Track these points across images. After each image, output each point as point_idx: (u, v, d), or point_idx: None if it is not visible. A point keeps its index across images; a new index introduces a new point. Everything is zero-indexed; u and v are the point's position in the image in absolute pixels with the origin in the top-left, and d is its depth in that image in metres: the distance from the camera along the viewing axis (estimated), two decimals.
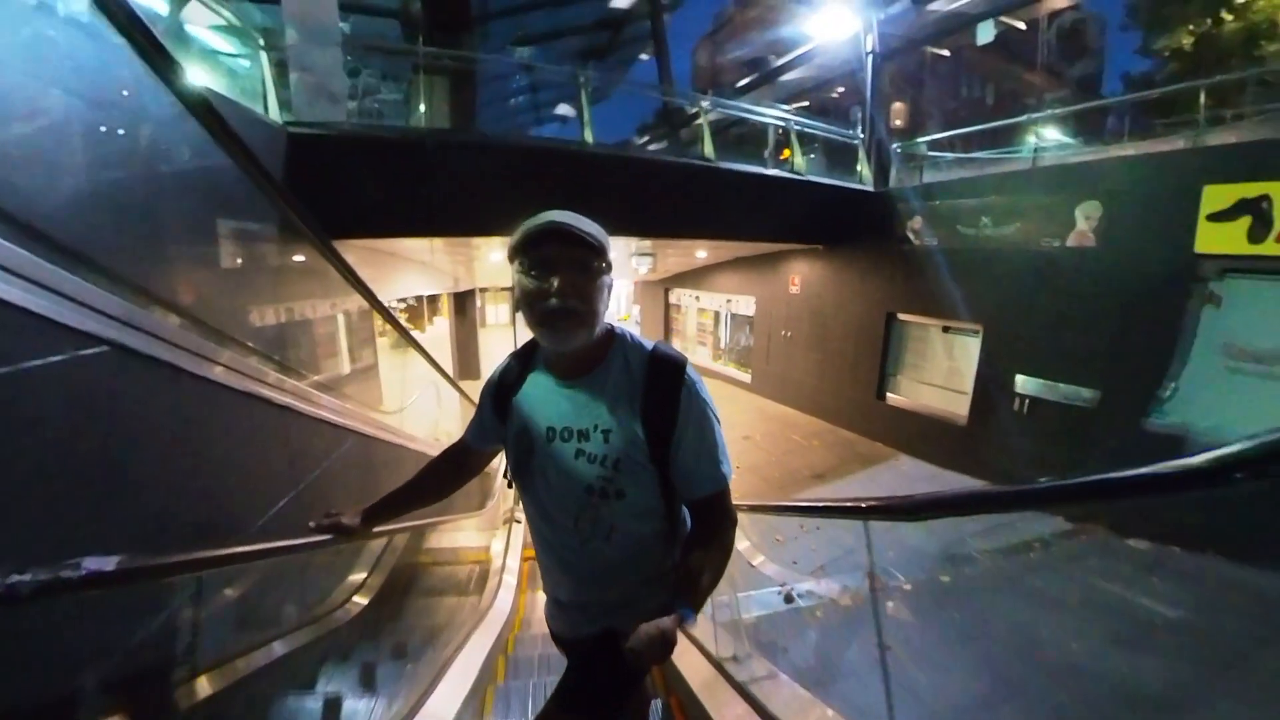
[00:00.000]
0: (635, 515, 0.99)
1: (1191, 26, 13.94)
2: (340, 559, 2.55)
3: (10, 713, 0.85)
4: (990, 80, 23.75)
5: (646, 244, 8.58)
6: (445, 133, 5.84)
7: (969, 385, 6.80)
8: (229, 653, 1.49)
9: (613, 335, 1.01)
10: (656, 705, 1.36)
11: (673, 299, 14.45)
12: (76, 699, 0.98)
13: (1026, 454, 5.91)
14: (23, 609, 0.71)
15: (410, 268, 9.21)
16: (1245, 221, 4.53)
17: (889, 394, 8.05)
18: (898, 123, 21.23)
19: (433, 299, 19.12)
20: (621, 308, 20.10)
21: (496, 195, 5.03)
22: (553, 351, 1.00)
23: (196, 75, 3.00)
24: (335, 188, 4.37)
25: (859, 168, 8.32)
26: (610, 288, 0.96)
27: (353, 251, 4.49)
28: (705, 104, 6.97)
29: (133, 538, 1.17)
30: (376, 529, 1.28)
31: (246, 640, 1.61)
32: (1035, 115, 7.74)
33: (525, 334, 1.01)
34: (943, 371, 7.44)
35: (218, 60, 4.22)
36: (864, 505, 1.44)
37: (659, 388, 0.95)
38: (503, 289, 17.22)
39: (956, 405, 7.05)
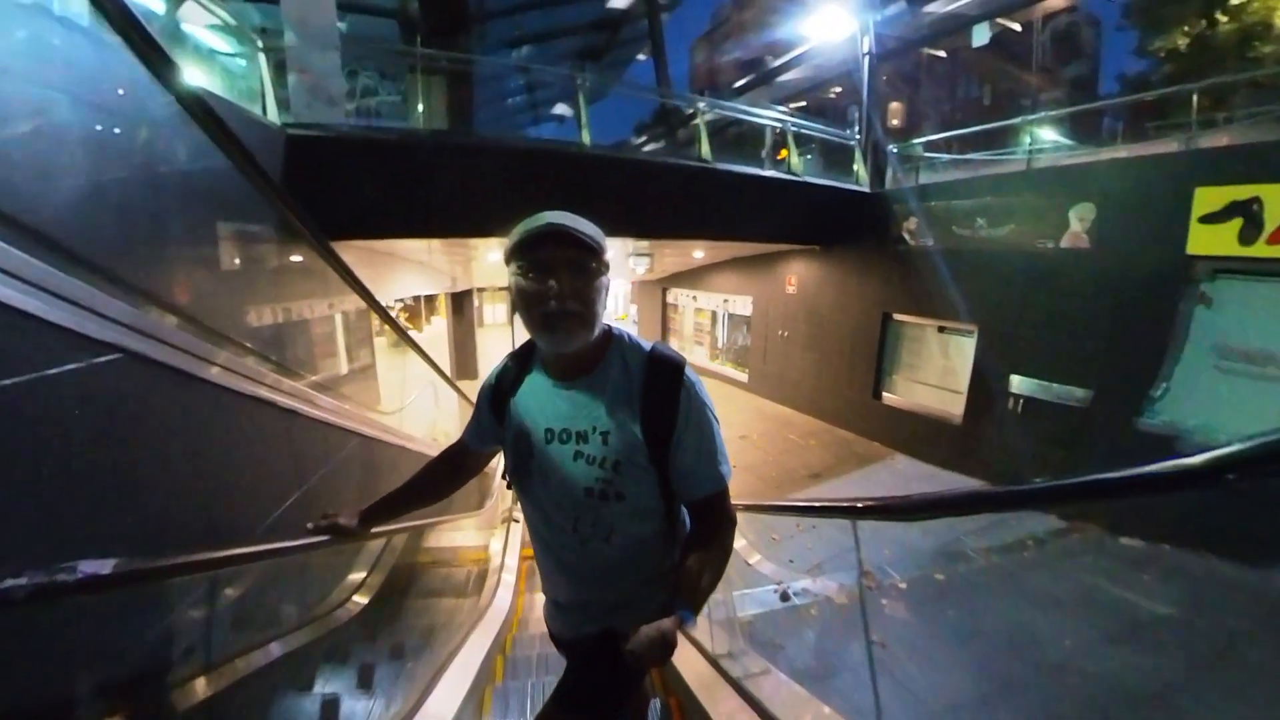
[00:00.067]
0: (635, 517, 0.98)
1: (1187, 28, 14.02)
2: (340, 558, 2.55)
3: (10, 713, 0.85)
4: (986, 81, 23.80)
5: (644, 244, 8.58)
6: (443, 134, 5.83)
7: (964, 385, 6.83)
8: (229, 653, 1.49)
9: (610, 336, 1.01)
10: (655, 705, 1.36)
11: (670, 299, 14.44)
12: (76, 700, 0.98)
13: (1021, 453, 5.95)
14: (20, 611, 0.71)
15: (408, 268, 9.19)
16: (1236, 223, 4.58)
17: (885, 394, 8.08)
18: (894, 123, 21.30)
19: (430, 299, 19.07)
20: (619, 307, 20.07)
21: (494, 196, 5.03)
22: (550, 353, 0.99)
23: (194, 76, 3.01)
24: (333, 189, 4.36)
25: (855, 169, 8.34)
26: (608, 288, 0.96)
27: (351, 252, 4.50)
28: (702, 105, 6.97)
29: (143, 543, 1.17)
30: (375, 530, 1.28)
31: (246, 640, 1.61)
32: (1030, 117, 7.78)
33: (523, 334, 1.00)
34: (938, 371, 7.47)
35: (215, 61, 4.21)
36: (859, 505, 1.46)
37: (658, 389, 0.95)
38: (500, 289, 17.17)
39: (952, 405, 7.08)
